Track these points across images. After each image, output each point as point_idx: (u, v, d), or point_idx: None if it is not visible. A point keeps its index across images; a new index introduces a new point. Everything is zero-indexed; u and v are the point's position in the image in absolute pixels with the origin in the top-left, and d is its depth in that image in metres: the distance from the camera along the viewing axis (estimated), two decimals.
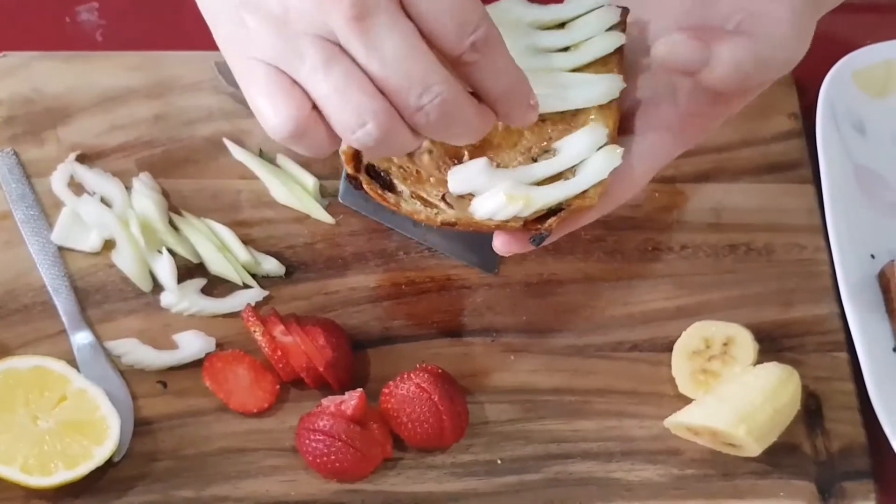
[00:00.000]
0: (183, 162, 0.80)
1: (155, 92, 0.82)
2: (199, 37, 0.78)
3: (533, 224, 0.59)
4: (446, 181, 0.59)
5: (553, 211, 0.59)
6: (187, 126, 0.81)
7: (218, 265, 0.75)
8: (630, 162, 0.60)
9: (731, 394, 0.70)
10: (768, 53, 0.56)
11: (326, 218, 0.78)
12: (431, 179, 0.60)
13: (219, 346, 0.74)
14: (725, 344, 0.74)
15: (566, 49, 0.61)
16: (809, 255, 0.79)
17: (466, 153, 0.60)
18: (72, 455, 0.67)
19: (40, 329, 0.74)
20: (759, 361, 0.73)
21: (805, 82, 0.85)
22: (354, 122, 0.49)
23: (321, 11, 0.48)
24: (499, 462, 0.71)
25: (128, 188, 0.78)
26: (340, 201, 0.79)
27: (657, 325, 0.76)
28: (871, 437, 0.73)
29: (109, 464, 0.68)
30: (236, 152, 0.80)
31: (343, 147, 0.58)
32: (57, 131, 0.80)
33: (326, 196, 0.79)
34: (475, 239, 0.77)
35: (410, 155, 0.60)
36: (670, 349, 0.74)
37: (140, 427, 0.71)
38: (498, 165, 0.60)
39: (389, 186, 0.60)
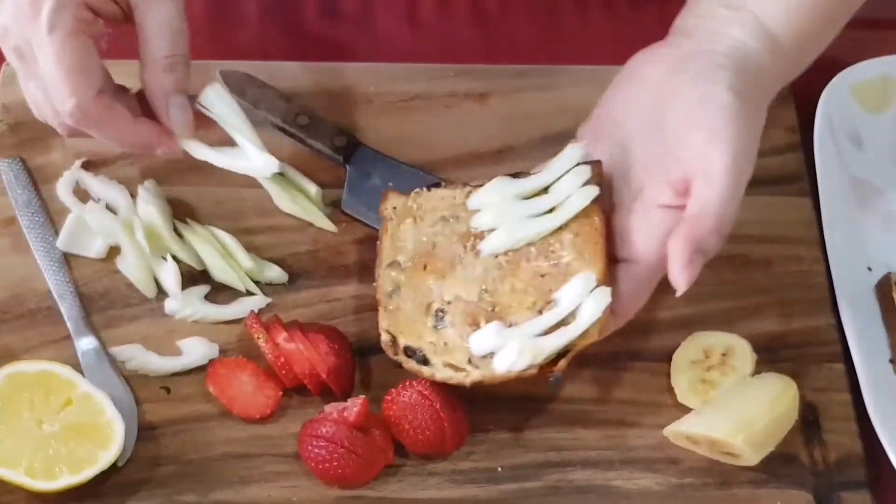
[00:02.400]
0: (187, 170, 0.80)
1: None
2: (202, 46, 0.80)
3: (548, 367, 0.68)
4: (467, 348, 0.69)
5: (562, 353, 0.68)
6: None
7: (222, 272, 0.76)
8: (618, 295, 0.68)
9: (729, 403, 0.71)
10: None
11: (329, 226, 0.79)
12: (457, 349, 0.69)
13: (222, 352, 0.74)
14: (724, 354, 0.74)
15: (552, 209, 0.71)
16: (807, 266, 0.80)
17: (483, 320, 0.69)
18: (76, 459, 0.67)
19: (45, 334, 0.75)
20: (757, 372, 0.74)
21: (803, 96, 0.86)
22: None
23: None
24: (499, 469, 0.72)
25: (133, 195, 0.78)
26: (343, 209, 0.80)
27: (656, 336, 0.77)
28: (867, 448, 0.73)
29: (113, 468, 0.69)
30: None
31: (383, 337, 0.70)
32: (63, 138, 0.81)
33: (329, 204, 0.80)
34: None
35: (437, 329, 0.70)
36: (669, 359, 0.75)
37: (144, 432, 0.71)
38: (511, 325, 0.69)
39: (424, 362, 0.69)
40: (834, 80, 0.86)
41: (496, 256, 0.71)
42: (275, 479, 0.71)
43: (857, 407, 0.74)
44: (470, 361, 0.69)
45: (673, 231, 0.66)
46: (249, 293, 0.76)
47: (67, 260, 0.76)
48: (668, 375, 0.75)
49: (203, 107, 0.69)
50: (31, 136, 0.81)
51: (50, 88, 0.65)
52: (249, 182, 0.80)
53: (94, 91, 0.64)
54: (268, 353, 0.72)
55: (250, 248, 0.78)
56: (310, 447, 0.69)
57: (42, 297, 0.76)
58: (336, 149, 0.81)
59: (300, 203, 0.79)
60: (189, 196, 0.80)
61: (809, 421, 0.74)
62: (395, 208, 0.74)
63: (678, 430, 0.71)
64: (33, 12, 0.62)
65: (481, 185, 0.73)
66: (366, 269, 0.78)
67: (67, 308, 0.74)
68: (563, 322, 0.68)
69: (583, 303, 0.67)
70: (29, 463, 0.67)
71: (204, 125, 0.71)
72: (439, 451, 0.71)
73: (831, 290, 0.78)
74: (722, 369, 0.74)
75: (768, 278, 0.79)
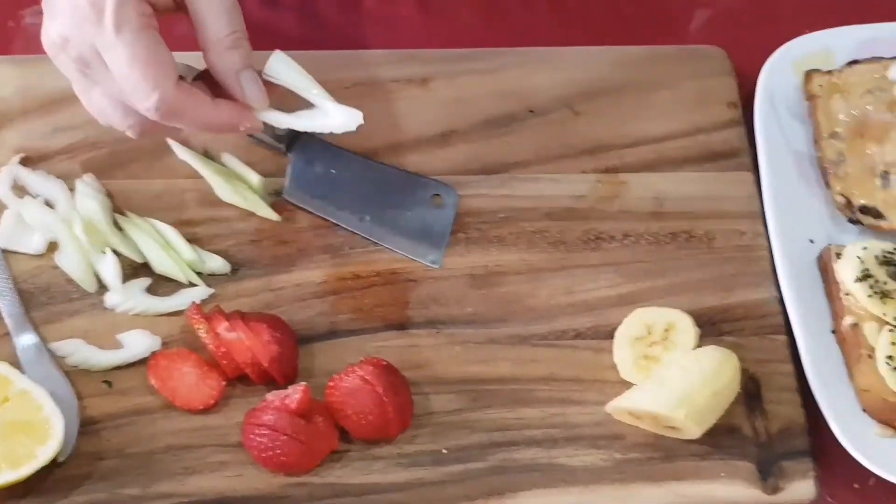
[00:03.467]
0: (128, 162, 0.80)
1: None
2: None
3: None
4: None
5: None
6: None
7: (162, 264, 0.76)
8: None
9: (670, 378, 0.71)
10: None
11: (272, 215, 0.79)
12: None
13: (164, 344, 0.74)
14: (666, 329, 0.75)
15: None
16: (749, 241, 0.80)
17: None
18: (15, 456, 0.67)
19: None
20: (700, 346, 0.74)
21: (745, 71, 0.87)
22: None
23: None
24: (444, 451, 0.72)
25: (72, 190, 0.78)
26: (285, 198, 0.80)
27: (600, 313, 0.77)
28: (809, 417, 0.74)
29: (55, 464, 0.69)
30: (181, 152, 0.80)
31: (838, 200, 0.79)
32: (1, 134, 0.80)
33: (272, 193, 0.80)
34: (419, 231, 0.79)
35: (885, 188, 0.79)
36: (613, 336, 0.76)
37: (86, 427, 0.71)
38: None
39: (880, 216, 0.79)
40: (775, 54, 0.86)
41: None
42: (219, 469, 0.71)
43: (799, 377, 0.75)
44: None
45: None
46: (191, 284, 0.76)
47: (6, 257, 0.76)
48: (612, 352, 0.75)
49: (270, 77, 0.67)
50: None
51: (126, 89, 0.62)
52: (190, 173, 0.80)
53: (173, 81, 0.62)
54: (209, 344, 0.72)
55: (192, 240, 0.77)
56: (252, 436, 0.69)
57: None
58: (278, 137, 0.81)
59: (242, 193, 0.79)
60: (129, 189, 0.79)
61: (752, 393, 0.75)
62: (821, 86, 0.83)
63: (620, 405, 0.72)
64: (96, 16, 0.59)
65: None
66: (309, 257, 0.78)
67: (6, 305, 0.74)
68: None
69: None
70: None
71: (274, 93, 0.69)
72: (384, 435, 0.71)
73: (773, 264, 0.79)
74: (664, 344, 0.74)
75: (711, 253, 0.80)
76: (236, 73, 0.63)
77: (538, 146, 0.83)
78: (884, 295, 0.74)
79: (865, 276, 0.75)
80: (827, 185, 0.81)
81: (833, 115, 0.82)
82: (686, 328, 0.75)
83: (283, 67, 0.67)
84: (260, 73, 0.68)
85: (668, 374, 0.72)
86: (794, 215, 0.80)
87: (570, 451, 0.72)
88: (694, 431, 0.71)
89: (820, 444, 0.73)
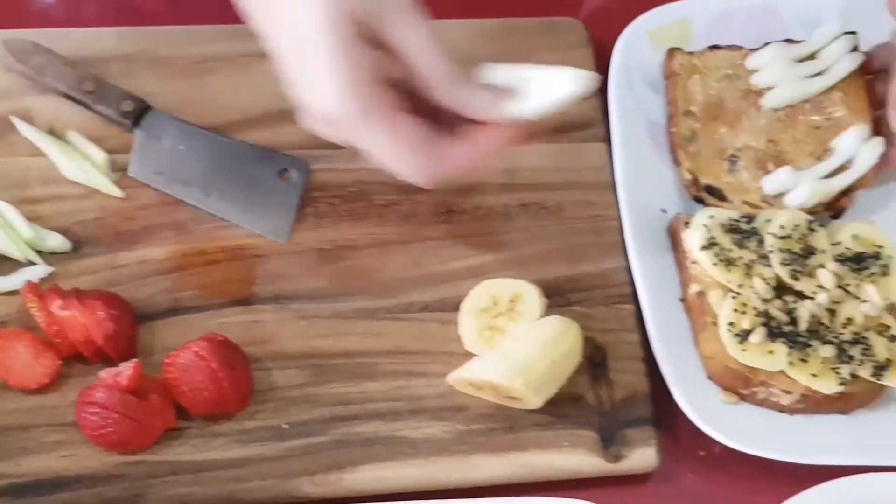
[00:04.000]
0: None
1: None
2: None
3: (831, 205, 0.80)
4: (761, 187, 0.80)
5: (842, 193, 0.79)
6: None
7: None
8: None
9: (510, 348, 0.71)
10: None
11: (116, 192, 0.78)
12: (750, 188, 0.80)
13: (2, 324, 0.72)
14: (512, 301, 0.75)
15: (821, 73, 0.82)
16: (600, 211, 0.80)
17: (771, 165, 0.80)
18: None
19: None
20: (547, 316, 0.75)
21: (602, 42, 0.87)
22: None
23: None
24: (285, 427, 0.71)
25: None
26: (131, 175, 0.79)
27: (448, 286, 0.77)
28: (658, 386, 0.74)
29: None
30: (24, 129, 0.78)
31: (686, 177, 0.80)
32: None
33: (118, 170, 0.79)
34: (267, 206, 0.78)
35: (731, 171, 0.81)
36: (460, 308, 0.75)
37: None
38: (797, 168, 0.80)
39: (723, 198, 0.80)
40: (631, 25, 0.86)
41: (776, 111, 0.82)
42: (55, 449, 0.69)
43: (645, 346, 0.75)
44: (764, 200, 0.80)
45: None
46: (30, 263, 0.75)
47: None
48: (458, 324, 0.75)
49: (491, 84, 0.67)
50: None
51: (392, 168, 0.63)
52: (33, 151, 0.78)
53: (435, 163, 0.62)
54: (42, 322, 0.70)
55: (34, 218, 0.76)
56: (85, 414, 0.68)
57: None
58: (123, 113, 0.79)
59: (86, 170, 0.77)
60: None
61: (597, 362, 0.75)
62: (682, 64, 0.84)
63: (461, 377, 0.71)
64: (347, 114, 0.59)
65: (756, 49, 0.84)
66: (153, 234, 0.77)
67: None
68: (840, 168, 0.79)
69: (859, 150, 0.79)
70: None
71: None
72: (222, 411, 0.71)
73: (623, 233, 0.79)
74: (510, 315, 0.74)
75: (561, 224, 0.80)
76: (461, 100, 0.62)
77: None
78: (728, 262, 0.75)
79: (711, 244, 0.75)
80: (676, 161, 0.81)
81: (690, 94, 0.83)
82: (532, 299, 0.74)
83: (495, 73, 0.66)
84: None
85: (509, 344, 0.71)
86: (645, 185, 0.80)
87: (413, 423, 0.72)
88: (534, 401, 0.71)
89: (668, 413, 0.74)
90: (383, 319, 0.75)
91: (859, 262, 0.77)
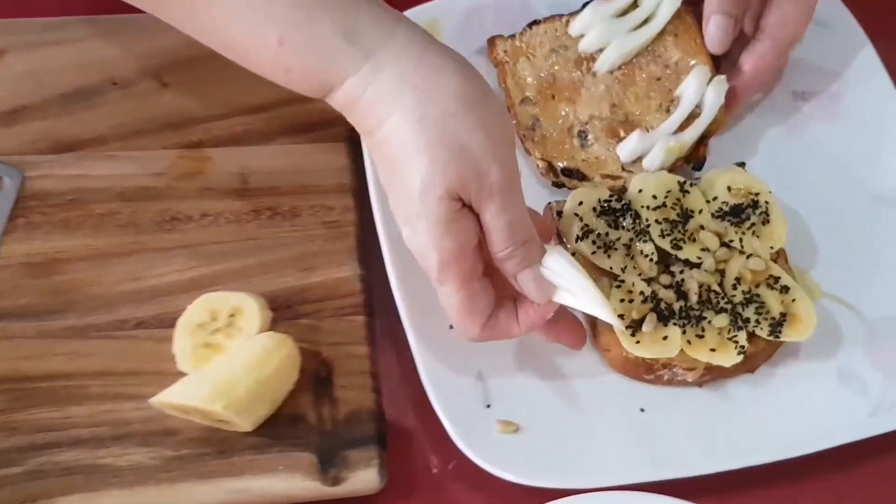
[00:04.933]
0: None
1: None
2: None
3: (692, 156, 0.77)
4: (618, 157, 0.77)
5: (699, 140, 0.77)
6: None
7: None
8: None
9: (214, 368, 0.67)
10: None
11: None
12: (608, 160, 0.77)
13: None
14: (232, 315, 0.70)
15: (647, 20, 0.79)
16: (337, 216, 0.76)
17: (622, 131, 0.77)
18: None
19: None
20: (274, 330, 0.70)
21: None
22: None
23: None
24: None
25: None
26: None
27: (167, 300, 0.72)
28: (391, 400, 0.71)
29: None
30: None
31: (540, 165, 0.77)
32: None
33: None
34: None
35: (584, 147, 0.78)
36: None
37: None
38: (647, 129, 0.77)
39: (583, 178, 0.77)
40: None
41: (612, 72, 0.79)
42: None
43: (373, 359, 0.71)
44: (623, 168, 0.77)
45: None
46: None
47: None
48: None
49: (549, 270, 0.66)
50: None
51: (456, 322, 0.68)
52: None
53: (480, 325, 0.67)
54: None
55: None
56: None
57: None
58: None
59: None
60: None
61: (322, 378, 0.71)
62: (505, 51, 0.80)
63: (162, 400, 0.67)
64: (429, 268, 0.65)
65: (576, 13, 0.80)
66: None
67: None
68: (691, 117, 0.77)
69: (705, 93, 0.77)
70: None
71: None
72: None
73: (359, 240, 0.75)
74: (228, 331, 0.70)
75: (295, 231, 0.75)
76: (514, 277, 0.66)
77: (118, 121, 0.78)
78: (607, 247, 0.72)
79: (587, 233, 0.73)
80: (527, 151, 0.78)
81: (521, 79, 0.80)
82: (252, 313, 0.70)
83: (558, 263, 0.66)
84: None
85: (215, 364, 0.67)
86: None
87: (118, 450, 0.67)
88: (243, 424, 0.66)
89: (405, 429, 0.71)
90: (93, 338, 0.70)
91: (738, 214, 0.74)
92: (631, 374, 0.72)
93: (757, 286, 0.72)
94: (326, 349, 0.71)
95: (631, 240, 0.73)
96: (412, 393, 0.71)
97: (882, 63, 0.84)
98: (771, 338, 0.71)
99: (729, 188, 0.75)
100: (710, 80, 0.77)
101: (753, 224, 0.74)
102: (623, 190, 0.76)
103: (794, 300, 0.72)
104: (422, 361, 0.70)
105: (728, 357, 0.70)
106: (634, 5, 0.80)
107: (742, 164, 0.78)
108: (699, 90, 0.77)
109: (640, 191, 0.75)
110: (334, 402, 0.70)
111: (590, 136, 0.78)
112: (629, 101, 0.79)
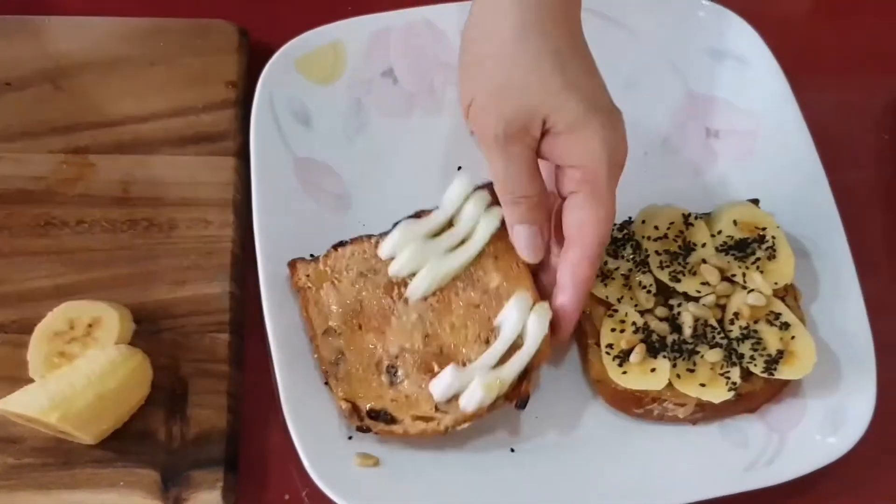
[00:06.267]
0: None
1: None
2: None
3: (514, 393, 0.67)
4: (430, 395, 0.67)
5: (522, 375, 0.67)
6: None
7: None
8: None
9: (56, 379, 0.65)
10: None
11: None
12: (420, 399, 0.68)
13: None
14: (90, 325, 0.69)
15: (464, 240, 0.71)
16: (214, 231, 0.75)
17: (436, 365, 0.68)
18: None
19: None
20: (135, 343, 0.69)
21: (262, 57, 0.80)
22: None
23: None
24: None
25: None
26: None
27: (30, 306, 0.71)
28: (249, 425, 0.70)
29: None
30: None
31: (343, 406, 0.67)
32: None
33: None
34: None
35: (393, 385, 0.68)
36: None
37: None
38: (464, 363, 0.68)
39: (392, 420, 0.67)
40: (275, 55, 0.78)
41: (426, 299, 0.70)
42: None
43: (234, 379, 0.70)
44: (437, 408, 0.68)
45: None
46: None
47: None
48: None
49: None
50: None
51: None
52: None
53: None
54: None
55: None
56: None
57: None
58: None
59: None
60: None
61: (177, 395, 0.69)
62: (308, 276, 0.71)
63: (2, 407, 0.65)
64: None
65: (386, 234, 0.72)
66: None
67: None
68: (514, 346, 0.68)
69: (527, 322, 0.68)
70: None
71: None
72: None
73: (234, 257, 0.74)
74: (84, 341, 0.68)
75: (169, 243, 0.74)
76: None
77: (6, 122, 0.77)
78: (605, 276, 0.71)
79: None
80: (330, 389, 0.69)
81: (325, 308, 0.71)
82: (111, 324, 0.69)
83: None
84: None
85: (58, 374, 0.66)
86: (287, 221, 0.73)
87: None
88: (84, 437, 0.65)
89: (259, 452, 0.69)
90: None
91: (743, 248, 0.72)
92: (620, 407, 0.71)
93: (756, 322, 0.70)
94: (186, 365, 0.70)
95: (630, 270, 0.72)
96: (276, 417, 0.69)
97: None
98: (765, 375, 0.69)
99: (735, 222, 0.73)
100: (532, 307, 0.69)
101: (759, 259, 0.72)
102: (628, 221, 0.74)
103: (793, 337, 0.70)
104: (283, 386, 0.68)
105: (718, 393, 0.68)
106: (450, 224, 0.72)
107: (755, 201, 0.75)
108: (521, 319, 0.68)
109: (644, 221, 0.73)
110: (185, 421, 0.68)
111: (400, 372, 0.69)
112: (444, 331, 0.70)
